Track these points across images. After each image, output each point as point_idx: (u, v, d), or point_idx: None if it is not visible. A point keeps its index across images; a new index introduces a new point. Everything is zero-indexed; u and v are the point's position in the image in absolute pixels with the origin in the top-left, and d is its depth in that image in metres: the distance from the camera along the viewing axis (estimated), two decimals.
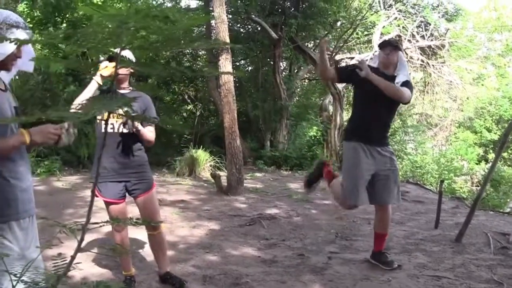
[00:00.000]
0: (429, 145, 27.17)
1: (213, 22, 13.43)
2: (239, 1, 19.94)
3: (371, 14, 22.53)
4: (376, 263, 6.52)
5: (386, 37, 6.23)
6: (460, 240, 7.84)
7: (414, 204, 11.88)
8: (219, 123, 16.81)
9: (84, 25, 13.65)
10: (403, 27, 22.60)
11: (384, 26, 22.54)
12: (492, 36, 37.86)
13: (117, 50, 1.84)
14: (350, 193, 6.14)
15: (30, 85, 14.58)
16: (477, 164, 24.34)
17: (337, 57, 22.59)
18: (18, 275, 2.28)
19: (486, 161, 25.96)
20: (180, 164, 14.99)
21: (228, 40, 12.04)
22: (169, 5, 20.50)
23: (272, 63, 20.48)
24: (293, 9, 20.52)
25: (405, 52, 21.92)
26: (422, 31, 22.97)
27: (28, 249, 3.13)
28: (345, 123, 21.86)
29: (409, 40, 22.20)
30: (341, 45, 22.09)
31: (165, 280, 5.56)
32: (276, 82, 19.99)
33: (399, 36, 22.63)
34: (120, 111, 1.93)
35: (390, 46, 6.30)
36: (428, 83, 23.58)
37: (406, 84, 6.15)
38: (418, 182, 17.57)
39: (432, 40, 22.95)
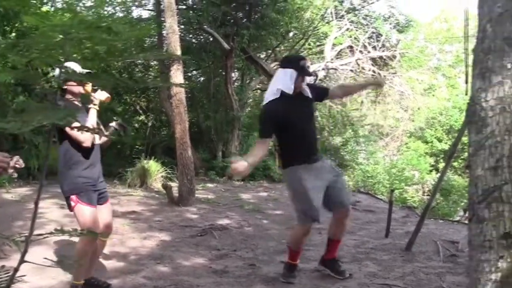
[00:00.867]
0: (381, 155, 27.40)
1: (164, 32, 13.39)
2: (191, 12, 19.97)
3: (323, 25, 22.72)
4: (328, 272, 6.56)
5: (304, 60, 6.13)
6: (410, 249, 7.95)
7: (365, 213, 11.99)
8: (170, 133, 16.73)
9: (33, 35, 13.54)
10: (355, 38, 22.83)
11: (336, 37, 22.77)
12: (443, 47, 38.37)
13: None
14: (310, 211, 6.08)
15: None
16: (428, 173, 24.61)
17: None
18: None
19: (437, 170, 26.22)
20: (131, 175, 14.89)
21: (179, 51, 12.02)
22: (121, 15, 20.39)
23: (224, 73, 20.47)
24: (245, 19, 20.58)
25: (357, 63, 22.17)
26: (374, 42, 23.23)
27: None
28: None
29: (360, 51, 22.43)
30: None
31: (90, 283, 5.59)
32: (228, 93, 19.98)
33: (351, 46, 22.86)
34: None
35: (309, 75, 6.51)
36: (380, 93, 23.82)
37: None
38: (369, 192, 17.75)
39: (383, 51, 23.21)
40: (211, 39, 19.95)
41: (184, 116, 12.04)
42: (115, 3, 20.49)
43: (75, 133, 5.00)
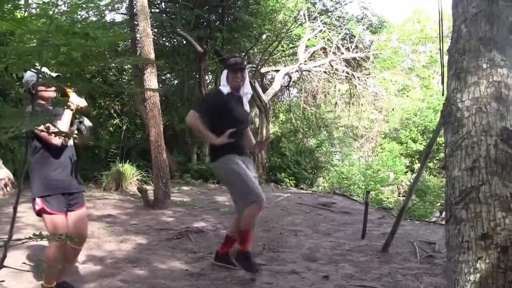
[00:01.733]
0: (356, 156, 27.54)
1: (138, 36, 13.35)
2: (164, 15, 19.93)
3: (296, 27, 22.74)
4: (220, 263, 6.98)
5: (234, 58, 6.69)
6: (387, 250, 7.97)
7: (341, 215, 12.02)
8: (145, 137, 16.68)
9: (8, 40, 13.40)
10: (328, 39, 22.92)
11: (309, 39, 22.83)
12: (416, 48, 38.67)
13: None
14: (250, 193, 6.23)
15: None
16: (403, 174, 24.73)
17: (263, 70, 22.75)
18: None
19: (412, 171, 26.39)
20: (106, 178, 14.82)
21: (153, 54, 11.99)
22: (94, 19, 20.25)
23: (197, 76, 20.45)
24: (218, 22, 20.61)
25: (330, 64, 22.24)
26: (347, 43, 23.36)
27: None
28: (272, 135, 22.01)
29: (334, 53, 22.52)
30: (266, 58, 22.22)
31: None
32: (202, 95, 19.95)
33: (324, 48, 22.94)
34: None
35: (241, 69, 6.64)
36: (354, 95, 23.91)
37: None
38: (345, 193, 17.84)
39: (357, 52, 23.32)
40: (184, 42, 19.95)
41: (159, 119, 12.01)
42: (88, 7, 20.31)
43: (45, 135, 4.86)
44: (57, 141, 4.98)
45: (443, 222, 9.75)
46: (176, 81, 24.22)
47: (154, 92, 11.98)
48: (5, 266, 2.05)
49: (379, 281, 6.43)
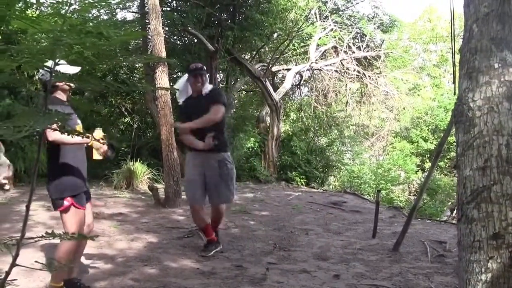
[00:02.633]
0: (366, 155, 27.46)
1: (149, 34, 13.34)
2: (175, 14, 19.90)
3: (307, 26, 22.71)
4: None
5: (194, 64, 7.47)
6: (398, 249, 7.96)
7: (351, 214, 12.01)
8: (156, 135, 16.63)
9: (19, 38, 13.39)
10: (339, 38, 22.87)
11: (320, 38, 22.79)
12: (428, 47, 38.49)
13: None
14: (186, 195, 8.04)
15: None
16: (414, 173, 24.65)
17: (274, 69, 22.74)
18: None
19: (423, 170, 26.27)
20: (117, 177, 14.82)
21: (164, 53, 12.00)
22: (105, 17, 20.30)
23: (209, 75, 20.40)
24: (229, 21, 20.57)
25: (341, 63, 22.20)
26: (358, 42, 23.29)
27: None
28: (282, 134, 22.01)
29: (345, 51, 22.48)
30: (277, 56, 22.19)
31: (73, 284, 5.57)
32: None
33: (335, 47, 22.92)
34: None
35: (199, 73, 7.54)
36: (365, 93, 23.86)
37: (216, 100, 7.49)
38: (356, 192, 17.78)
39: (368, 51, 23.29)
40: (195, 40, 19.91)
41: (170, 117, 12.02)
42: (100, 6, 20.30)
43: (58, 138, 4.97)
44: (74, 140, 5.07)
45: (454, 221, 9.73)
46: None
47: (165, 91, 11.99)
48: (17, 265, 2.06)
49: (390, 280, 6.42)
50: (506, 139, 3.11)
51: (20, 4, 1.85)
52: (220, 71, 22.83)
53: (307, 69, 22.99)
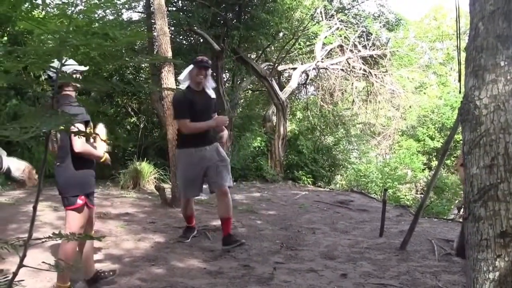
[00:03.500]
0: (373, 154, 27.46)
1: (155, 34, 13.34)
2: (181, 13, 19.89)
3: (313, 25, 22.70)
4: (230, 247, 7.65)
5: (201, 56, 7.57)
6: (405, 248, 7.96)
7: (358, 212, 12.01)
8: (162, 135, 16.63)
9: (25, 39, 13.41)
10: (345, 37, 22.86)
11: (326, 36, 22.77)
12: (433, 45, 38.44)
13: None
14: (182, 189, 8.16)
15: None
16: (421, 172, 24.64)
17: (280, 68, 22.73)
18: None
19: (430, 168, 26.27)
20: (124, 177, 14.84)
21: (170, 53, 11.99)
22: (111, 18, 20.28)
23: (215, 74, 20.42)
24: (235, 20, 20.56)
25: (347, 62, 22.19)
26: (364, 41, 23.26)
27: None
28: (289, 133, 21.99)
29: (351, 50, 22.46)
30: (283, 56, 22.18)
31: (96, 278, 5.64)
32: (219, 94, 19.86)
33: (341, 46, 22.91)
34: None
35: (204, 67, 7.72)
36: (371, 92, 23.84)
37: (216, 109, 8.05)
38: (363, 191, 17.80)
39: (374, 49, 23.27)
40: (201, 40, 19.90)
41: None
42: (106, 6, 20.32)
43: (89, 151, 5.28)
44: (99, 153, 5.32)
45: (461, 220, 9.72)
46: None
47: (171, 91, 12.00)
48: (25, 266, 2.06)
49: (397, 279, 6.42)
50: None
51: (26, 5, 1.86)
52: (226, 71, 22.83)
53: (313, 68, 22.98)
